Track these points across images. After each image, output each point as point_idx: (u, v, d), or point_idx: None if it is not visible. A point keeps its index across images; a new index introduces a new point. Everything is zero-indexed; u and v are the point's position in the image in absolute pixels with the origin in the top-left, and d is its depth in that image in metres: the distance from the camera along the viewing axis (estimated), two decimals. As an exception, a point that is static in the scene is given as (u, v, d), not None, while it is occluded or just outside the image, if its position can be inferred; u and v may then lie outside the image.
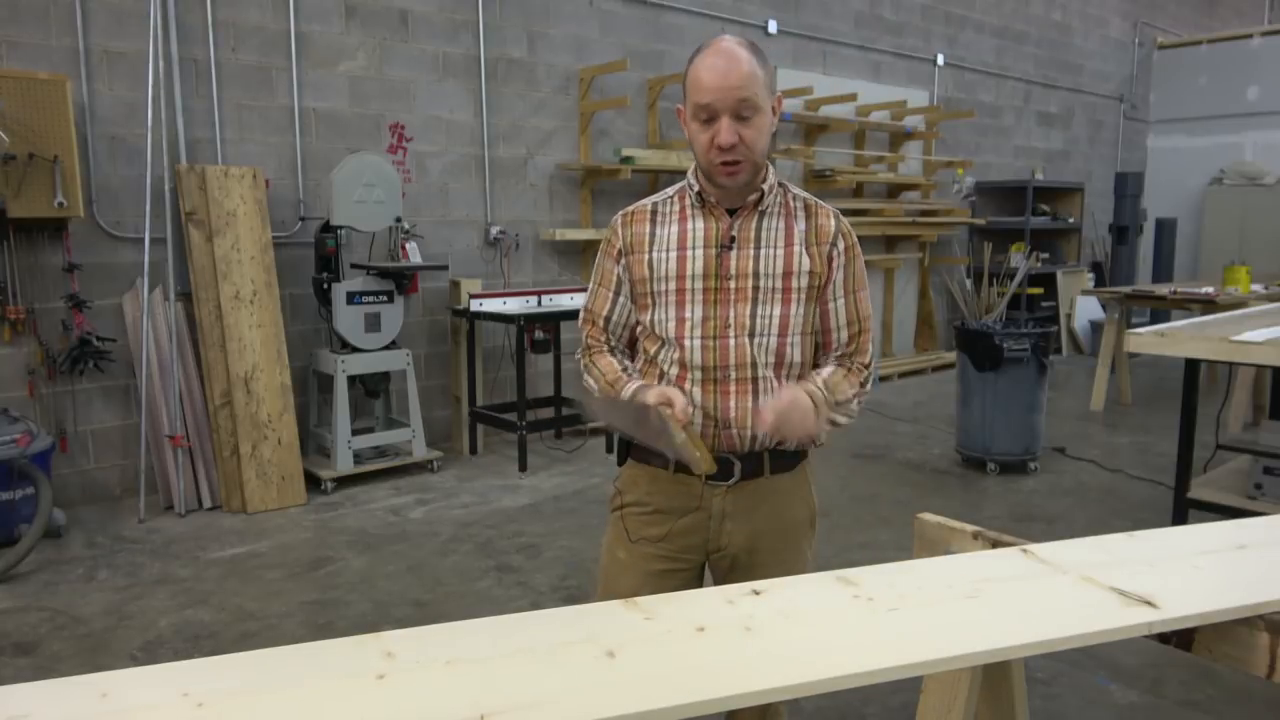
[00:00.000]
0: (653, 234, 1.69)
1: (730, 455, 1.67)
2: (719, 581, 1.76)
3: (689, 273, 1.64)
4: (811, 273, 1.66)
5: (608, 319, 1.76)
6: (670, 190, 1.74)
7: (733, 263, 1.63)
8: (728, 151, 1.54)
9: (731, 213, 1.66)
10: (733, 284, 1.64)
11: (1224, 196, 10.51)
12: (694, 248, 1.65)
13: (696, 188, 1.67)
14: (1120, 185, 9.72)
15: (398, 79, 5.44)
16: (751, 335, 1.64)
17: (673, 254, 1.66)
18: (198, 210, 4.54)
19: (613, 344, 1.78)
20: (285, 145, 5.07)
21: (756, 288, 1.64)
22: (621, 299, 1.74)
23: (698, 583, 1.78)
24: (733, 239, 1.64)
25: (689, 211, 1.68)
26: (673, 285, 1.66)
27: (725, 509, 1.69)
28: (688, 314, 1.65)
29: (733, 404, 1.65)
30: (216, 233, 4.54)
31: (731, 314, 1.64)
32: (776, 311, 1.65)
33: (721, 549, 1.72)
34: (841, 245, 1.70)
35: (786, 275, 1.65)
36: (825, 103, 7.56)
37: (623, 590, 1.70)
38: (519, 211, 6.05)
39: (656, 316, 1.69)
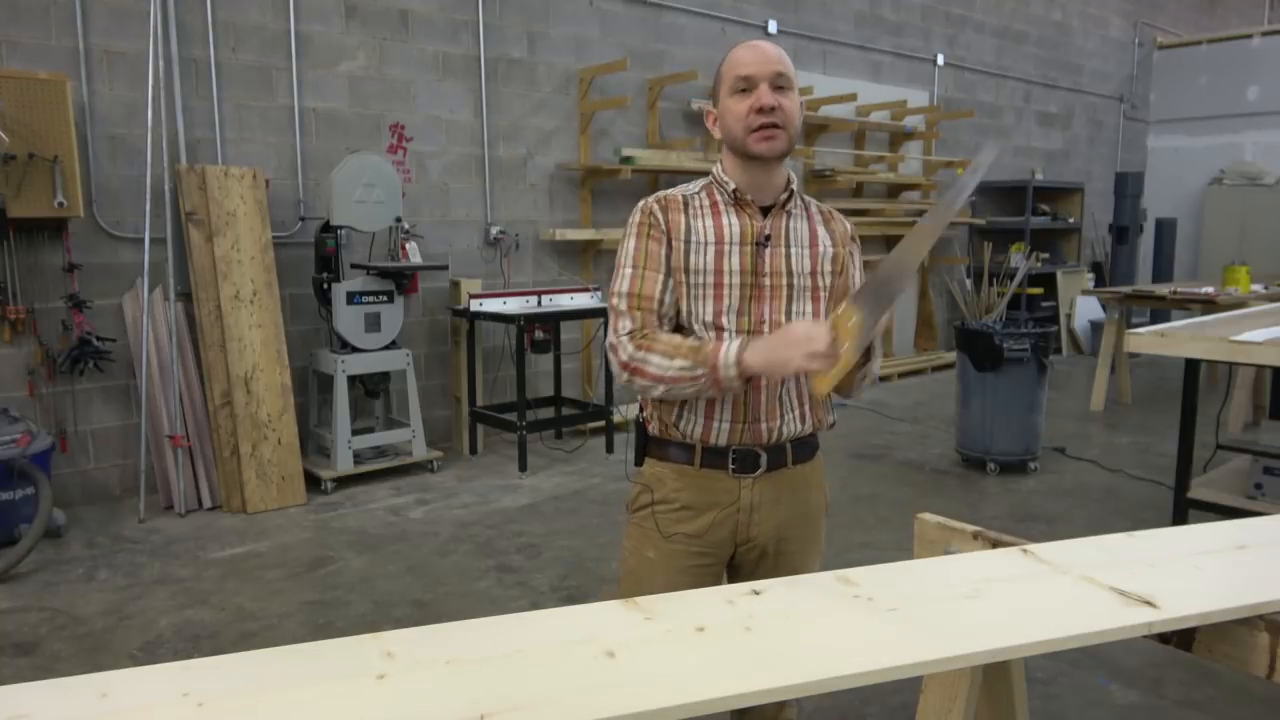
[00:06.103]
0: (688, 225, 1.66)
1: (757, 448, 1.70)
2: (748, 572, 1.76)
3: (726, 268, 1.65)
4: (833, 272, 1.73)
5: (660, 302, 1.65)
6: (694, 185, 1.72)
7: (767, 260, 1.66)
8: (768, 114, 1.60)
9: (764, 211, 1.68)
10: (768, 281, 1.66)
11: (1224, 196, 10.50)
12: (731, 243, 1.65)
13: (732, 185, 1.67)
14: (1120, 185, 9.72)
15: (398, 79, 5.44)
16: None
17: (710, 248, 1.65)
18: (198, 210, 4.54)
19: (666, 328, 1.70)
20: (285, 145, 5.07)
21: (790, 285, 1.67)
22: (671, 282, 1.67)
23: (723, 577, 1.80)
24: (768, 237, 1.67)
25: (721, 207, 1.68)
26: (710, 279, 1.65)
27: (754, 501, 1.71)
28: (724, 308, 1.65)
29: (763, 399, 1.67)
30: (216, 233, 4.54)
31: (766, 310, 1.66)
32: (809, 309, 1.69)
33: (751, 540, 1.73)
34: (856, 246, 1.79)
35: (813, 274, 1.70)
36: (825, 103, 7.57)
37: (655, 590, 1.67)
38: (519, 211, 6.05)
39: (690, 309, 1.66)
